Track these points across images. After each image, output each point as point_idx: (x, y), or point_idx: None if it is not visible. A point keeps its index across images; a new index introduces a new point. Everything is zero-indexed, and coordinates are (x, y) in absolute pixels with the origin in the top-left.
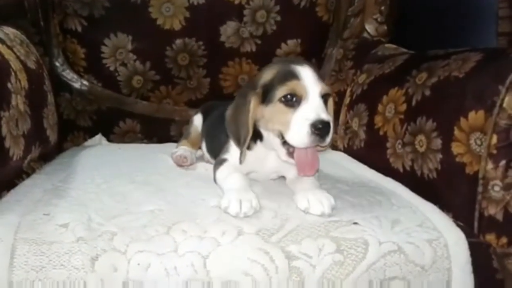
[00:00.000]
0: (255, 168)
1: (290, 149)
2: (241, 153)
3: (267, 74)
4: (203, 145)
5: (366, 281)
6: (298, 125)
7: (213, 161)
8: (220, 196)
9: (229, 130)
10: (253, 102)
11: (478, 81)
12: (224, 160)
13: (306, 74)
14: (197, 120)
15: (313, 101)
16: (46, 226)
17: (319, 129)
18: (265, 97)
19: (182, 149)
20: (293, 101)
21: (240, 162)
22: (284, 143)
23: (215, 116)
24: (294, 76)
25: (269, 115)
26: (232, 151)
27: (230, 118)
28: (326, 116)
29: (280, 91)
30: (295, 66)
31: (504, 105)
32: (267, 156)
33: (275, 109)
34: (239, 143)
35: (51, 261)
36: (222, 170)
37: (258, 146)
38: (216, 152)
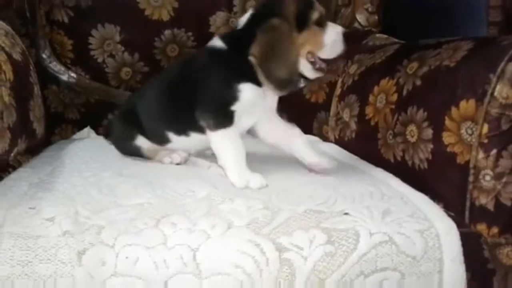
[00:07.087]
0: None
1: (316, 65)
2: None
3: (290, 5)
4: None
5: (357, 272)
6: (334, 38)
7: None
8: (212, 187)
9: (269, 73)
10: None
11: (469, 70)
12: (230, 112)
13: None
14: (143, 143)
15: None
16: (31, 220)
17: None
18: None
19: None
20: (323, 20)
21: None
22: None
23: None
24: (313, 2)
25: (302, 41)
26: (244, 95)
27: (265, 57)
28: None
29: (315, 15)
30: None
31: (495, 93)
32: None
33: (310, 33)
34: (284, 86)
35: (37, 255)
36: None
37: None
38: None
